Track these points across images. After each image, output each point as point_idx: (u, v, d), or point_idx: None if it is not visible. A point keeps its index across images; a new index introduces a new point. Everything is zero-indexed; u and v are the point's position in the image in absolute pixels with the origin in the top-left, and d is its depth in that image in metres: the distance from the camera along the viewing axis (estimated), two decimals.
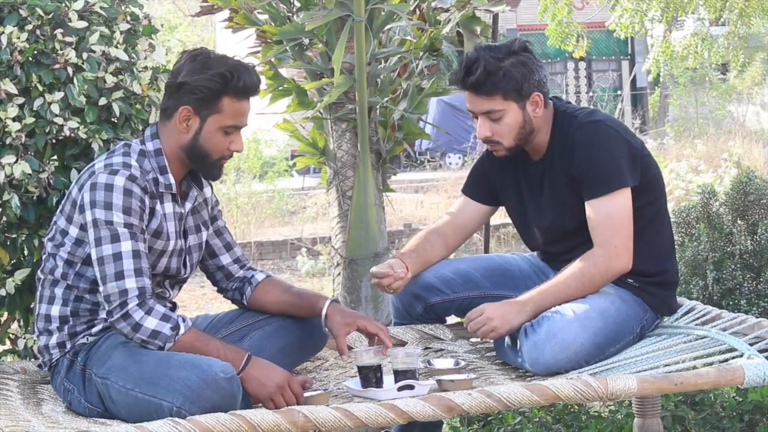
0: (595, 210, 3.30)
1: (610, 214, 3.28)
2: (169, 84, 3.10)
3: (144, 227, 3.02)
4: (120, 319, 2.92)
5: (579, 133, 3.33)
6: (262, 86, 5.02)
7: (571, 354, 3.13)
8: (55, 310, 3.07)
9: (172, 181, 3.10)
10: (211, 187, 3.32)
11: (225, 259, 3.33)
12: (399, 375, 3.02)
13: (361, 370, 3.05)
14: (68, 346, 3.07)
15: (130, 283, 2.92)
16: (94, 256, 2.97)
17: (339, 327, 3.21)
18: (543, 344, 3.14)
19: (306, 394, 2.95)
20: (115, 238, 2.95)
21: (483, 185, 3.61)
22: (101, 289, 2.95)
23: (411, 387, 2.95)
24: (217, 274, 3.35)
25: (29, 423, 2.75)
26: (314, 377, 3.30)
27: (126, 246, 2.95)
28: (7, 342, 3.82)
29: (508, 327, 3.22)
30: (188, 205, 3.18)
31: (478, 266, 3.59)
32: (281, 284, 3.37)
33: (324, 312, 3.24)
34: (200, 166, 3.13)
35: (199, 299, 9.47)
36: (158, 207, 3.08)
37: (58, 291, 3.08)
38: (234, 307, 3.41)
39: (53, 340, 3.08)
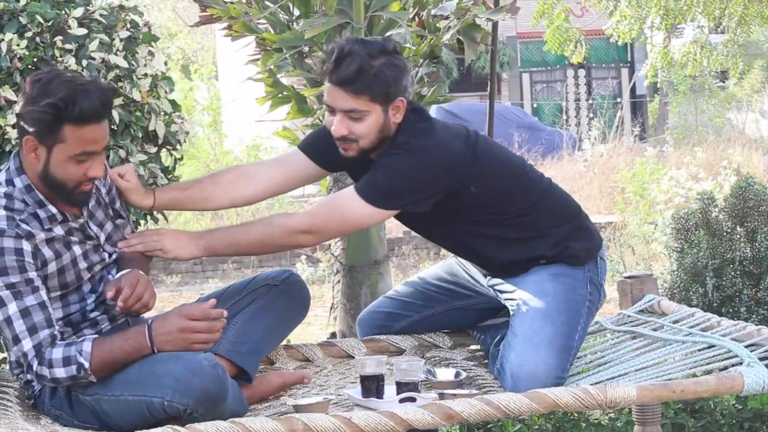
0: (338, 193, 3.26)
1: (341, 206, 3.21)
2: (16, 112, 2.94)
3: (36, 273, 2.87)
4: (38, 379, 2.89)
5: (391, 146, 3.21)
6: (262, 93, 5.03)
7: (543, 377, 3.07)
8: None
9: (55, 210, 2.95)
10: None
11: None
12: (401, 387, 3.01)
13: (364, 379, 3.04)
14: None
15: (27, 344, 2.85)
16: None
17: None
18: (516, 387, 3.06)
19: (306, 402, 2.94)
20: (1, 303, 2.85)
21: (326, 152, 3.36)
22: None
23: (413, 399, 2.93)
24: None
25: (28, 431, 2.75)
26: (314, 382, 3.31)
27: (12, 308, 2.84)
28: None
29: (174, 254, 3.19)
30: (91, 203, 3.05)
31: (429, 281, 3.56)
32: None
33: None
34: (60, 194, 2.94)
35: None
36: (57, 230, 2.94)
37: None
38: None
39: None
